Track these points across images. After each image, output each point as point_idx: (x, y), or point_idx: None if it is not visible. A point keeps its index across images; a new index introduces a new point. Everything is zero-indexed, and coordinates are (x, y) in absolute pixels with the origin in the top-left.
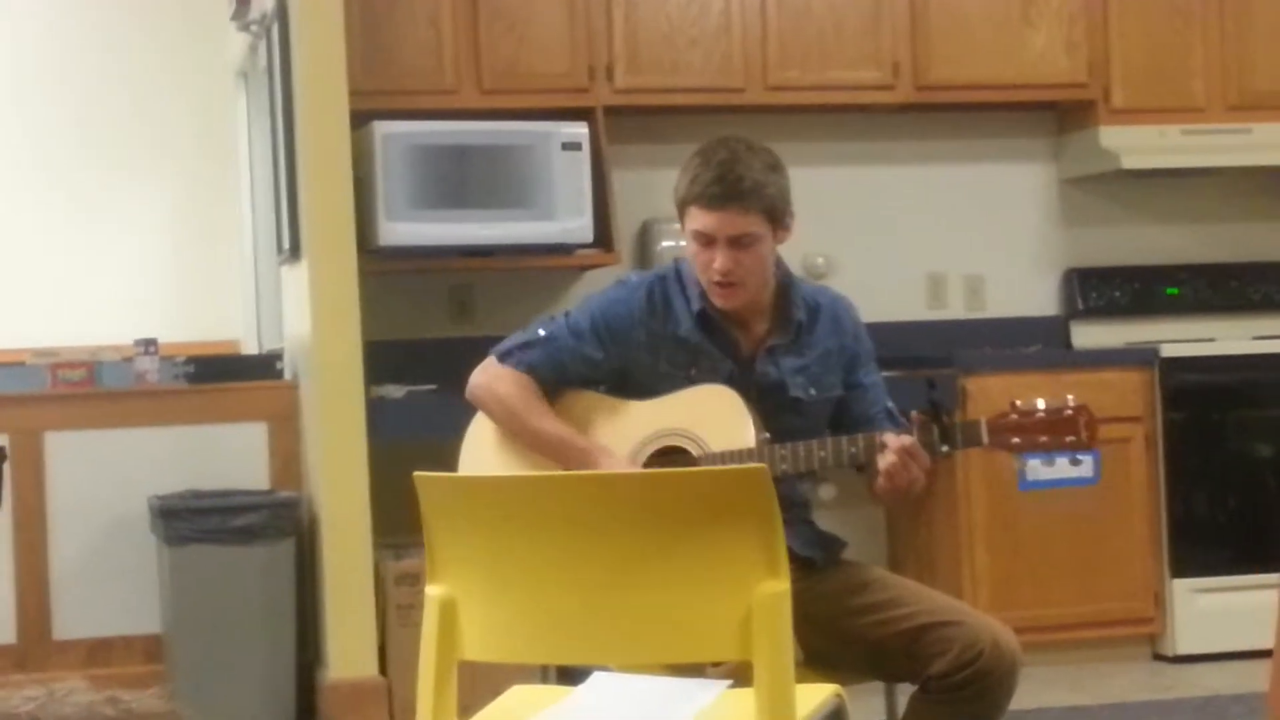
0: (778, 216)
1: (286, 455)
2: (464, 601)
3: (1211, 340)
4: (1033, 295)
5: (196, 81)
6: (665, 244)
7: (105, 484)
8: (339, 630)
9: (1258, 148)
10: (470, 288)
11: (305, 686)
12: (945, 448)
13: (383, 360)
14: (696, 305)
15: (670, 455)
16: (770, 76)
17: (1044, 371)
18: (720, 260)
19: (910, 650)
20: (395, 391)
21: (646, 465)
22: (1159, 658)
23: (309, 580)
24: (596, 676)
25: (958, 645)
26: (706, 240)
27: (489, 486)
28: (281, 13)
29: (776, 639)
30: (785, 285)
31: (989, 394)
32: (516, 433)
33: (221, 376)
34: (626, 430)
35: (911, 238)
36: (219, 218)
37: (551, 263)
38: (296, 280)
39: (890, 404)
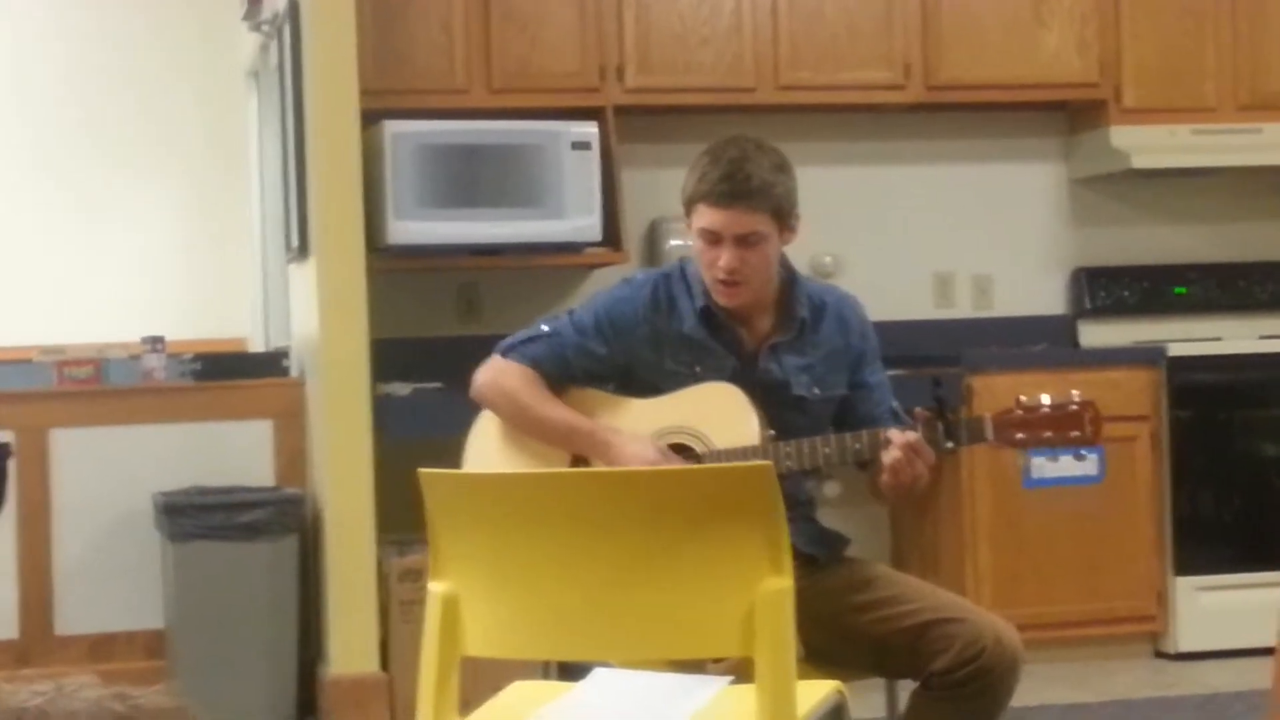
0: (784, 217)
1: (292, 452)
2: (466, 597)
3: (1218, 340)
4: (1040, 294)
5: (207, 81)
6: (674, 243)
7: (110, 480)
8: (341, 626)
9: (1268, 148)
10: (478, 286)
11: (307, 682)
12: (950, 444)
13: (389, 358)
14: (700, 303)
15: (675, 452)
16: (781, 76)
17: (1051, 370)
18: (726, 258)
19: (912, 647)
20: (401, 389)
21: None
22: (1161, 655)
23: (312, 576)
24: (598, 672)
25: (960, 642)
26: (713, 238)
27: (493, 483)
28: (293, 13)
29: (779, 635)
30: (789, 283)
31: (996, 393)
32: (523, 423)
33: (228, 374)
34: (631, 428)
35: (920, 237)
36: (228, 216)
37: (560, 261)
38: (304, 278)
39: (895, 404)
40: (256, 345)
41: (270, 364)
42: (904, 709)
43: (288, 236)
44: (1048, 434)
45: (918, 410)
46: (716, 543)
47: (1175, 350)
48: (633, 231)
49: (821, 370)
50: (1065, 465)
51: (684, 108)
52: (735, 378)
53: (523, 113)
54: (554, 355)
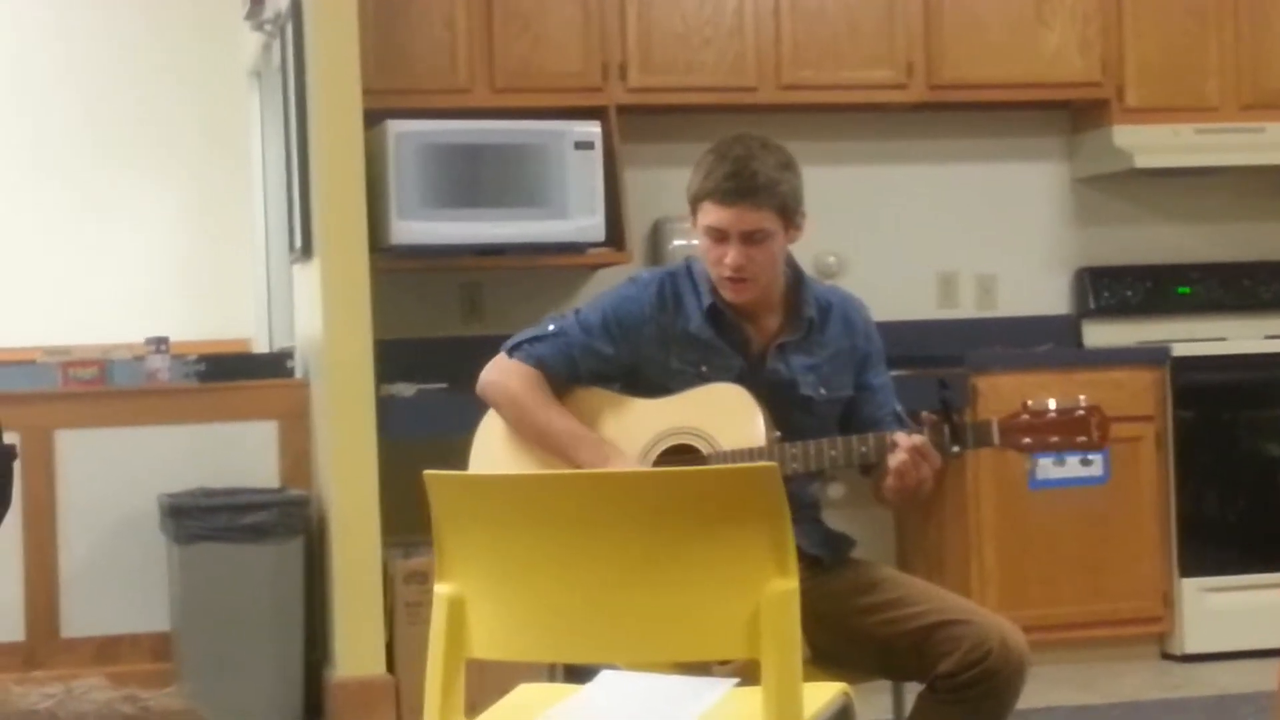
0: (790, 214)
1: (297, 453)
2: (472, 600)
3: (1223, 339)
4: (1044, 294)
5: (210, 80)
6: (677, 243)
7: (115, 482)
8: (347, 628)
9: (1271, 147)
10: (481, 286)
11: (313, 684)
12: (956, 448)
13: (393, 359)
14: (707, 301)
15: (681, 453)
16: (784, 76)
17: (1055, 370)
18: (732, 255)
19: (918, 649)
20: (406, 390)
21: (657, 463)
22: (1168, 657)
23: (318, 578)
24: (604, 675)
25: (966, 644)
26: (719, 235)
27: (498, 485)
28: (295, 12)
29: (784, 637)
30: (796, 283)
31: (1000, 393)
32: (524, 428)
33: (232, 375)
34: (637, 428)
35: (923, 237)
36: (231, 216)
37: (563, 261)
38: (308, 279)
39: (899, 407)
40: (260, 346)
41: (274, 365)
42: (910, 711)
43: (291, 237)
44: (1054, 438)
45: (924, 413)
46: (722, 544)
47: (1179, 350)
48: (636, 231)
49: (828, 371)
50: (1070, 467)
51: (686, 107)
52: (742, 377)
53: (525, 112)
54: (560, 355)
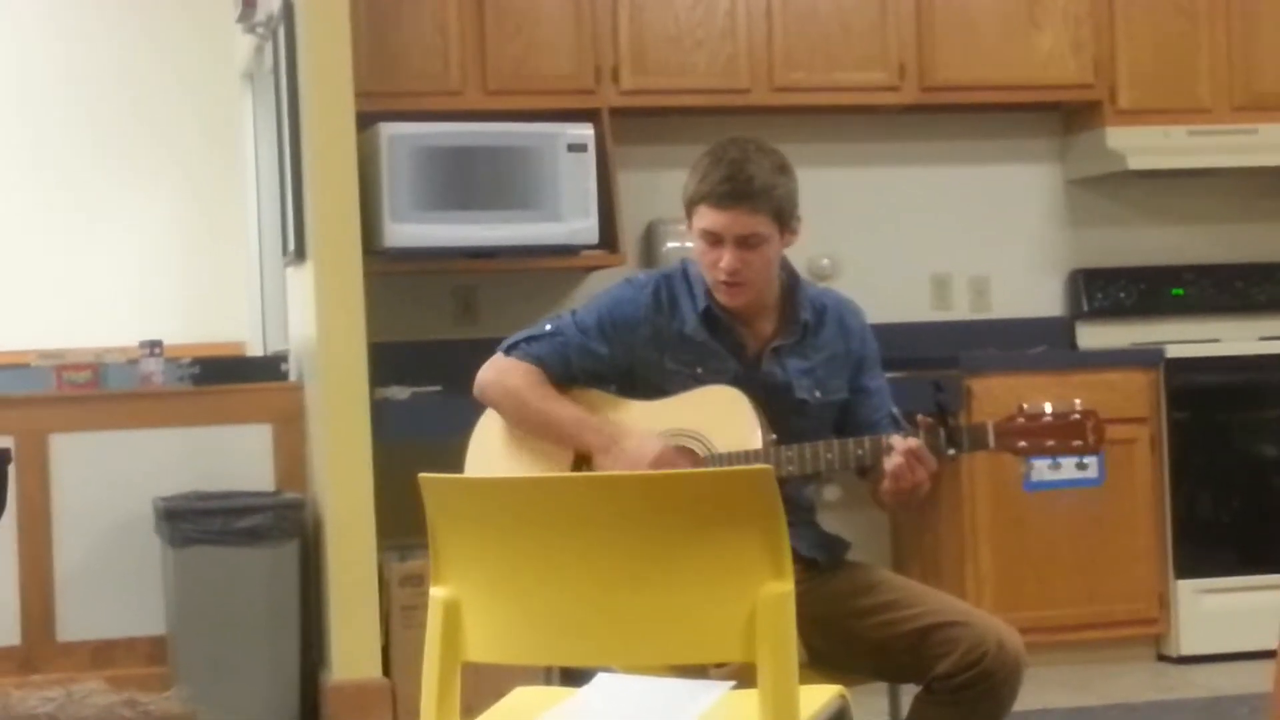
0: (785, 219)
1: (291, 457)
2: (468, 603)
3: (1216, 341)
4: (1038, 296)
5: (202, 83)
6: (671, 245)
7: (110, 485)
8: (343, 631)
9: (1263, 148)
10: (475, 289)
11: (309, 688)
12: (952, 450)
13: (388, 362)
14: (702, 304)
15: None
16: (776, 78)
17: (1049, 372)
18: (727, 259)
19: (915, 651)
20: (400, 393)
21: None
22: (1163, 659)
23: (313, 582)
24: (600, 678)
25: (962, 646)
26: (714, 239)
27: (493, 488)
28: (287, 15)
29: (780, 640)
30: (791, 286)
31: (994, 395)
32: (527, 421)
33: (226, 378)
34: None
35: (917, 238)
36: (224, 219)
37: (557, 264)
38: (302, 282)
39: (895, 410)
40: (254, 349)
41: (269, 368)
42: (906, 713)
43: (284, 240)
44: (1050, 442)
45: (919, 417)
46: (717, 547)
47: (1173, 352)
48: (629, 234)
49: (823, 374)
50: (1065, 469)
51: (679, 109)
52: (737, 379)
53: (518, 115)
54: (556, 354)
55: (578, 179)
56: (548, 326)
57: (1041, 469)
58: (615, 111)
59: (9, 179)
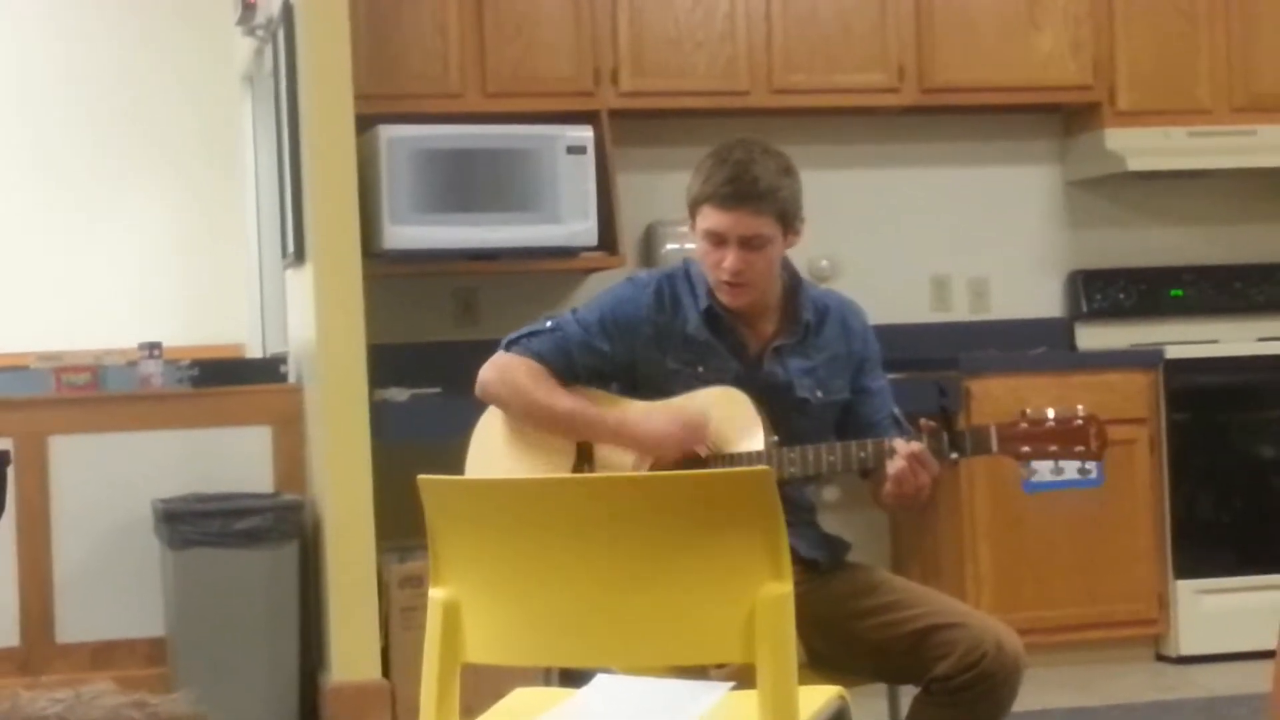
0: (789, 220)
1: (290, 458)
2: (467, 604)
3: (1215, 342)
4: (1037, 297)
5: (202, 86)
6: (670, 247)
7: (109, 487)
8: (342, 633)
9: (1263, 149)
10: (474, 291)
11: (308, 689)
12: (955, 454)
13: (387, 363)
14: (704, 303)
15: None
16: (775, 79)
17: (1048, 374)
18: (731, 260)
19: (914, 652)
20: (399, 395)
21: (654, 467)
22: (1162, 659)
23: (312, 583)
24: (599, 678)
25: (961, 647)
26: (718, 240)
27: (492, 489)
28: (287, 17)
29: (779, 641)
30: (793, 287)
31: (993, 396)
32: (532, 415)
33: (226, 380)
34: None
35: (916, 240)
36: (224, 221)
37: (556, 266)
38: (301, 283)
39: (896, 410)
40: (254, 351)
41: (268, 370)
42: (905, 714)
43: (284, 242)
44: (1053, 447)
45: (922, 420)
46: (717, 548)
47: (1172, 353)
48: (629, 235)
49: (824, 374)
50: (1067, 471)
51: (679, 111)
52: (738, 379)
53: (518, 117)
54: (558, 350)
55: (577, 181)
56: (549, 323)
57: (1042, 470)
58: (614, 113)
59: (9, 180)
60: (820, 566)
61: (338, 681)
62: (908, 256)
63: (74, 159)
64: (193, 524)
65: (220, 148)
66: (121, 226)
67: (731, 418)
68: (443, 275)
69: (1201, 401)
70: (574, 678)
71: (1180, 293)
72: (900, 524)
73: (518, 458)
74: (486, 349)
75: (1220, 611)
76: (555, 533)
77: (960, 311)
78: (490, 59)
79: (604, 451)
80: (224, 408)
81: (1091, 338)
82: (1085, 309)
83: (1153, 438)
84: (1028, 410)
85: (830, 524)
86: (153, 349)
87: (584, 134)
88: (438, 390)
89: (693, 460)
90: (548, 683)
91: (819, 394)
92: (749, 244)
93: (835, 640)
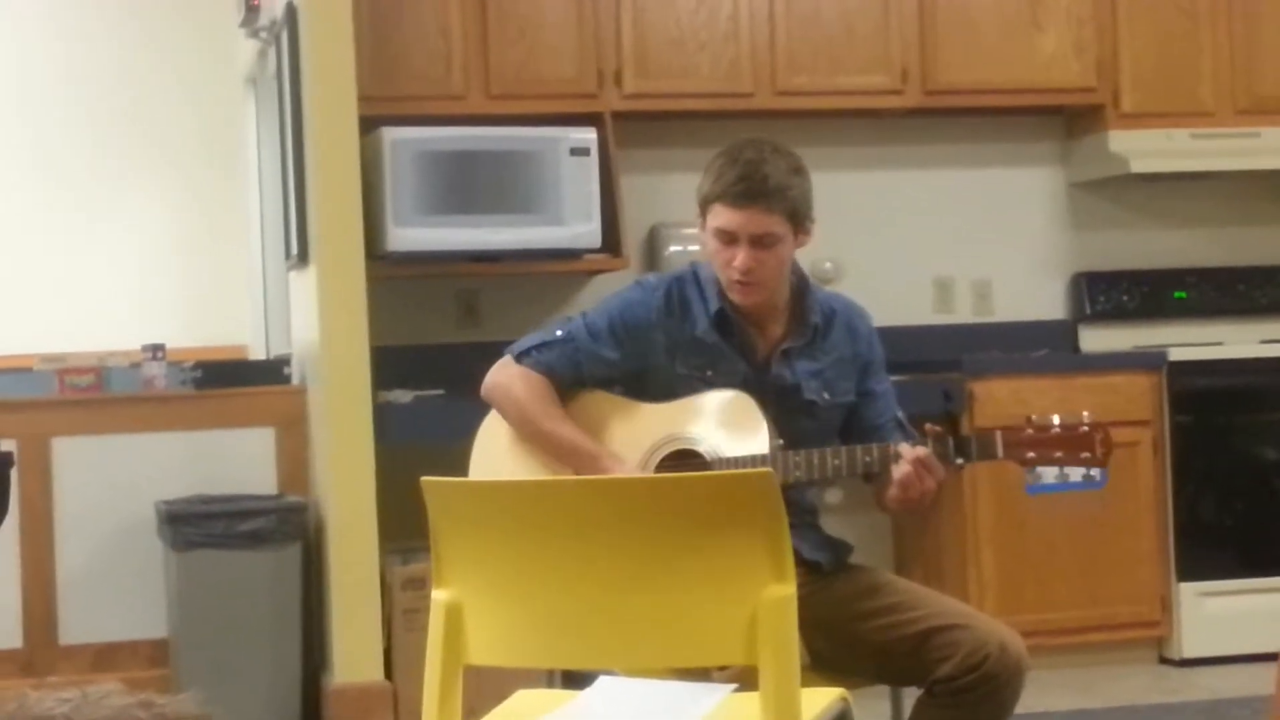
0: (800, 220)
1: (294, 460)
2: (470, 606)
3: (1219, 344)
4: (1040, 299)
5: (206, 87)
6: (674, 248)
7: (112, 489)
8: (345, 635)
9: (1266, 151)
10: (478, 293)
11: (311, 691)
12: (960, 460)
13: (390, 365)
14: (715, 305)
15: (684, 458)
16: (779, 81)
17: (1051, 376)
18: (742, 259)
19: (916, 654)
20: (403, 396)
21: (659, 469)
22: (1165, 661)
23: (315, 585)
24: (602, 680)
25: (964, 649)
26: (729, 238)
27: (495, 491)
28: (291, 19)
29: (782, 643)
30: (801, 289)
31: (996, 398)
32: (527, 434)
33: (229, 382)
34: (641, 433)
35: (919, 242)
36: (227, 223)
37: (559, 268)
38: (304, 285)
39: (900, 413)
40: (257, 353)
41: (271, 371)
42: (908, 716)
43: (287, 243)
44: (1058, 454)
45: (928, 426)
46: (720, 550)
47: (1176, 355)
48: (632, 237)
49: (831, 376)
50: (1070, 474)
51: (682, 113)
52: (746, 382)
53: (521, 119)
54: (566, 362)
55: (580, 183)
56: (559, 332)
57: (1046, 473)
58: (618, 115)
59: (10, 180)
60: (823, 568)
61: (340, 683)
62: (911, 258)
63: (75, 160)
64: (196, 526)
65: (222, 149)
66: (124, 228)
67: (737, 421)
68: (446, 277)
69: (1205, 404)
70: (576, 680)
71: (1183, 295)
72: (902, 526)
73: (521, 459)
74: (490, 351)
75: (1223, 614)
76: (558, 534)
77: (963, 313)
78: (493, 61)
79: None
80: (227, 409)
81: (1095, 340)
82: (1088, 311)
83: (1156, 440)
84: (1033, 416)
85: (833, 526)
86: (156, 351)
87: (587, 136)
88: (441, 392)
89: (696, 463)
90: (550, 685)
91: (826, 396)
92: (760, 242)
93: (838, 642)
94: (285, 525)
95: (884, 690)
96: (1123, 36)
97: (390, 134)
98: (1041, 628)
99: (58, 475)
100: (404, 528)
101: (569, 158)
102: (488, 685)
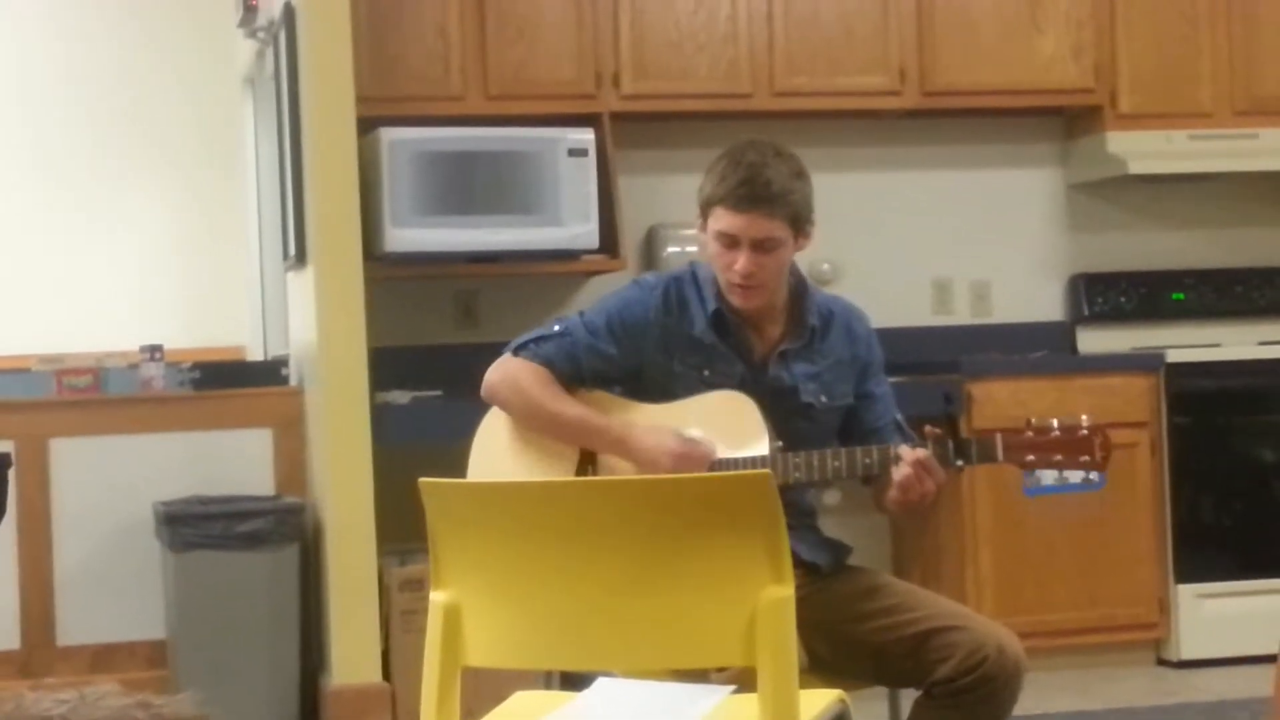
0: (801, 223)
1: (292, 461)
2: (468, 607)
3: (1217, 345)
4: (1038, 300)
5: (204, 88)
6: (671, 249)
7: (110, 490)
8: (343, 636)
9: (1264, 153)
10: (476, 294)
11: (309, 692)
12: (960, 462)
13: (388, 366)
14: (712, 306)
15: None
16: (777, 82)
17: (1050, 377)
18: (743, 262)
19: (915, 655)
20: (401, 397)
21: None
22: (1163, 663)
23: (313, 586)
24: (600, 682)
25: (962, 650)
26: (730, 241)
27: (494, 492)
28: (289, 19)
29: (780, 644)
30: (799, 291)
31: (995, 399)
32: (537, 420)
33: (227, 382)
34: None
35: (918, 243)
36: (225, 224)
37: (557, 269)
38: (302, 286)
39: (899, 416)
40: (255, 354)
41: (269, 372)
42: (906, 717)
43: (285, 244)
44: (1058, 457)
45: (928, 428)
46: (718, 551)
47: (1174, 356)
48: (630, 238)
49: (829, 379)
50: (1069, 477)
51: (680, 114)
52: (744, 383)
53: (519, 119)
54: (564, 355)
55: (578, 184)
56: (556, 327)
57: (1045, 475)
58: (616, 116)
59: (9, 181)
60: (821, 570)
61: (338, 684)
62: (909, 259)
63: (74, 160)
64: (194, 526)
65: (221, 149)
66: (122, 228)
67: (736, 422)
68: (444, 278)
69: (1203, 405)
70: (575, 681)
71: (1182, 296)
72: (901, 527)
73: (520, 460)
74: (488, 351)
75: (1221, 616)
76: (556, 535)
77: (961, 315)
78: (492, 61)
79: (606, 455)
80: (225, 410)
81: (1093, 341)
82: (1086, 312)
83: (1154, 441)
84: (1033, 420)
85: (831, 528)
86: (154, 351)
87: (585, 137)
88: (439, 393)
89: (704, 447)
90: (548, 686)
91: (824, 399)
92: (761, 246)
93: (836, 643)
94: (283, 526)
95: (882, 692)
96: (1121, 38)
97: (388, 134)
98: (1040, 629)
99: (56, 476)
100: (402, 529)
101: (567, 158)
102: (486, 686)
